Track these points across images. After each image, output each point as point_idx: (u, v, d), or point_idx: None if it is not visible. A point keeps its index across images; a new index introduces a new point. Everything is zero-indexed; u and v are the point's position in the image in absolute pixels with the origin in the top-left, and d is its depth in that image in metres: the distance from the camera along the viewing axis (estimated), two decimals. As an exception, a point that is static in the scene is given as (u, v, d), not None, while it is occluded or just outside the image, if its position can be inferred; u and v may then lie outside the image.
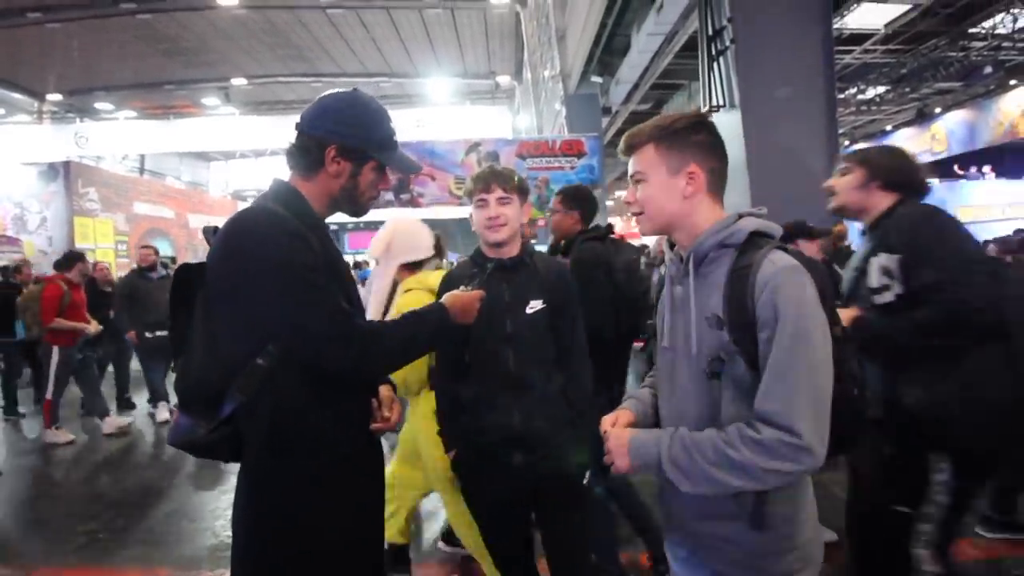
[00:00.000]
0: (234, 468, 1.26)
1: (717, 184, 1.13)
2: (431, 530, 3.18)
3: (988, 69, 12.56)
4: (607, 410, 1.24)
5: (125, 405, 6.11)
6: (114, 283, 6.39)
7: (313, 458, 1.20)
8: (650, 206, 1.13)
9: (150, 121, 19.25)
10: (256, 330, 1.15)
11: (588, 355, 1.80)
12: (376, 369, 1.31)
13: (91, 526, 3.35)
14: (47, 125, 18.77)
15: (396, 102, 19.66)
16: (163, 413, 5.60)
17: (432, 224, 2.47)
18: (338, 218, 1.38)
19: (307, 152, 1.25)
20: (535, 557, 1.86)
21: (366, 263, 11.92)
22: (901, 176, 1.82)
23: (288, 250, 1.13)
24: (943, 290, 1.59)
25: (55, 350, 4.95)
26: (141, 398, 6.11)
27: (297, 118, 1.29)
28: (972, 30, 11.50)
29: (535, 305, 1.68)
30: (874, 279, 1.73)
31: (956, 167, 16.42)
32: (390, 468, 2.47)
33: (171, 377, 5.35)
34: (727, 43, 6.02)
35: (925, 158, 16.18)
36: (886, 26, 11.13)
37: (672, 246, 1.19)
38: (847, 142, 19.52)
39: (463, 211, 1.83)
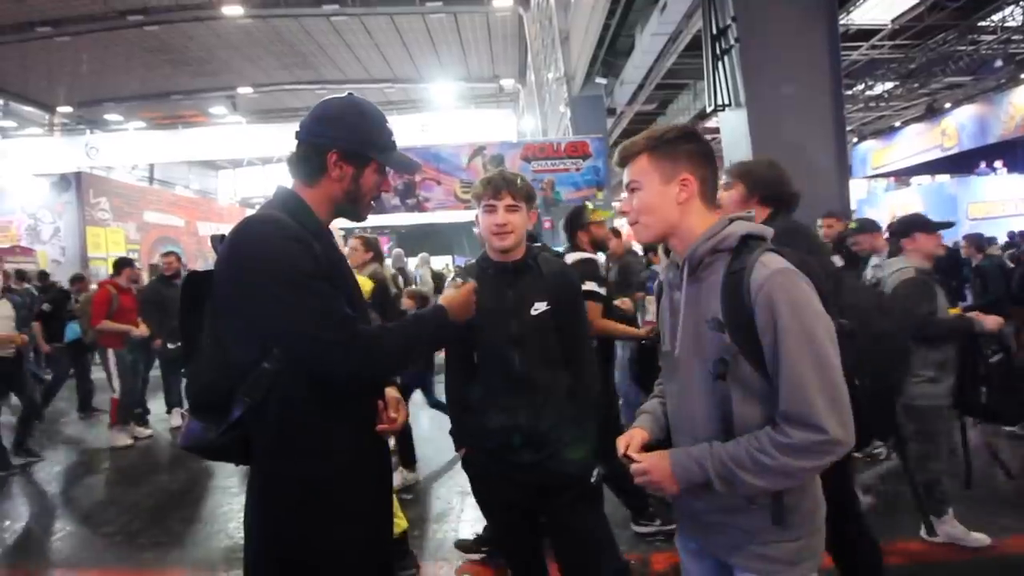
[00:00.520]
0: (246, 471, 1.28)
1: (709, 191, 1.19)
2: (442, 531, 3.20)
3: (998, 63, 12.35)
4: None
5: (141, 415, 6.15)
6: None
7: (320, 459, 1.22)
8: (646, 213, 1.19)
9: (159, 131, 19.48)
10: (261, 335, 1.18)
11: (594, 354, 1.81)
12: (379, 372, 1.33)
13: (107, 529, 3.40)
14: (58, 137, 19.08)
15: (400, 107, 19.77)
16: (176, 419, 5.67)
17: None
18: (340, 223, 1.40)
19: (309, 159, 1.27)
20: (546, 562, 1.85)
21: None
22: (775, 189, 1.88)
23: (290, 256, 1.15)
24: None
25: (109, 352, 5.19)
26: (156, 405, 6.16)
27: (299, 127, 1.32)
28: (981, 23, 11.37)
29: (540, 307, 1.70)
30: None
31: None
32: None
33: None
34: (731, 41, 5.99)
35: (936, 154, 16.04)
36: (893, 21, 11.06)
37: (668, 253, 1.25)
38: (855, 139, 19.37)
39: (468, 215, 1.85)
